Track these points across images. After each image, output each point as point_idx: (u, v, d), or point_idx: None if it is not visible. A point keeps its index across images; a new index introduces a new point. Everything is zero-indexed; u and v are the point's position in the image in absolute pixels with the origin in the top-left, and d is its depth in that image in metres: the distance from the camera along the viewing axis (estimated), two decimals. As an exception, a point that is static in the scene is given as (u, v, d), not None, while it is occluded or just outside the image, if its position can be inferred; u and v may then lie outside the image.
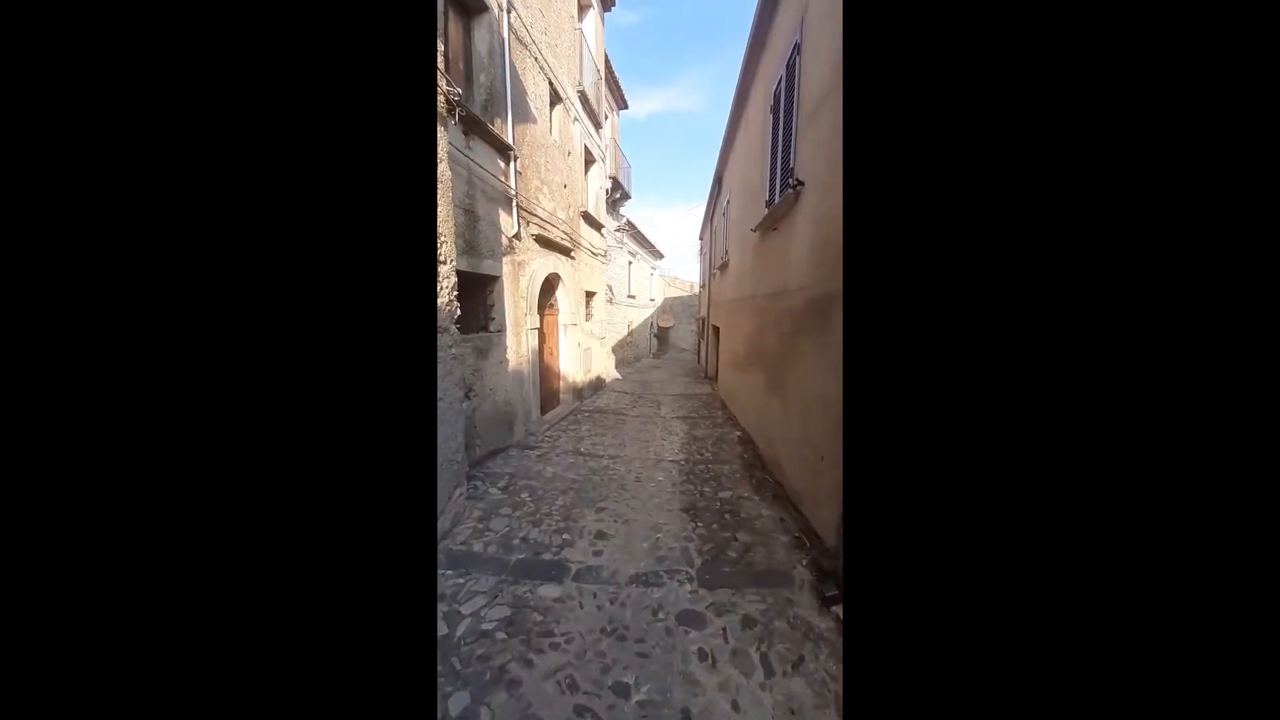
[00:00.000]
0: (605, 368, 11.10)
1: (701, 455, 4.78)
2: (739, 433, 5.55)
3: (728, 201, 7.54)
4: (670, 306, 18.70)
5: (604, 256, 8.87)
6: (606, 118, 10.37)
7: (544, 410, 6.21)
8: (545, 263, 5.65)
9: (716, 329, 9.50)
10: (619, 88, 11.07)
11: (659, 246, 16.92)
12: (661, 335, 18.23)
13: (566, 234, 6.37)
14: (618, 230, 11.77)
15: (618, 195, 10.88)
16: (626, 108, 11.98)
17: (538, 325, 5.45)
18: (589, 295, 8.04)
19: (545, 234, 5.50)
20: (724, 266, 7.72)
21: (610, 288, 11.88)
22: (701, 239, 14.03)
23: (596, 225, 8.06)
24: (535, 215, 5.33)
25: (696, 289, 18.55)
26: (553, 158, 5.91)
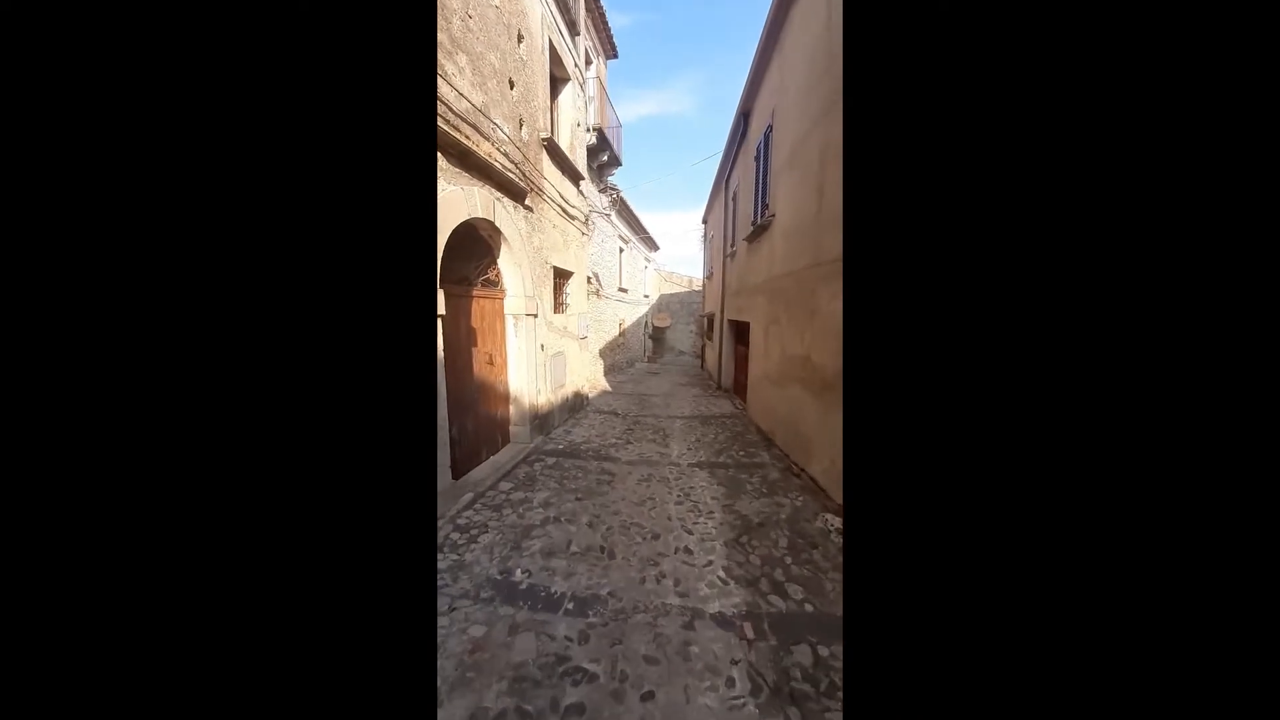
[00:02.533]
0: (590, 376, 8.38)
1: (785, 592, 2.06)
2: (837, 517, 2.84)
3: (764, 138, 4.87)
4: (666, 304, 16.01)
5: (584, 225, 6.14)
6: (590, 63, 7.68)
7: (469, 464, 3.45)
8: (463, 197, 2.92)
9: (739, 326, 6.81)
10: (605, 24, 8.37)
11: (654, 237, 14.23)
12: (657, 336, 15.52)
13: (513, 162, 3.64)
14: (603, 192, 9.00)
15: (605, 158, 8.16)
16: (615, 56, 9.27)
17: (441, 313, 2.71)
18: (561, 275, 5.31)
19: (460, 139, 2.76)
20: (757, 234, 5.04)
21: (596, 276, 9.16)
22: (706, 221, 11.36)
23: (573, 174, 5.33)
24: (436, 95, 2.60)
25: (696, 284, 15.87)
26: (484, 18, 3.18)
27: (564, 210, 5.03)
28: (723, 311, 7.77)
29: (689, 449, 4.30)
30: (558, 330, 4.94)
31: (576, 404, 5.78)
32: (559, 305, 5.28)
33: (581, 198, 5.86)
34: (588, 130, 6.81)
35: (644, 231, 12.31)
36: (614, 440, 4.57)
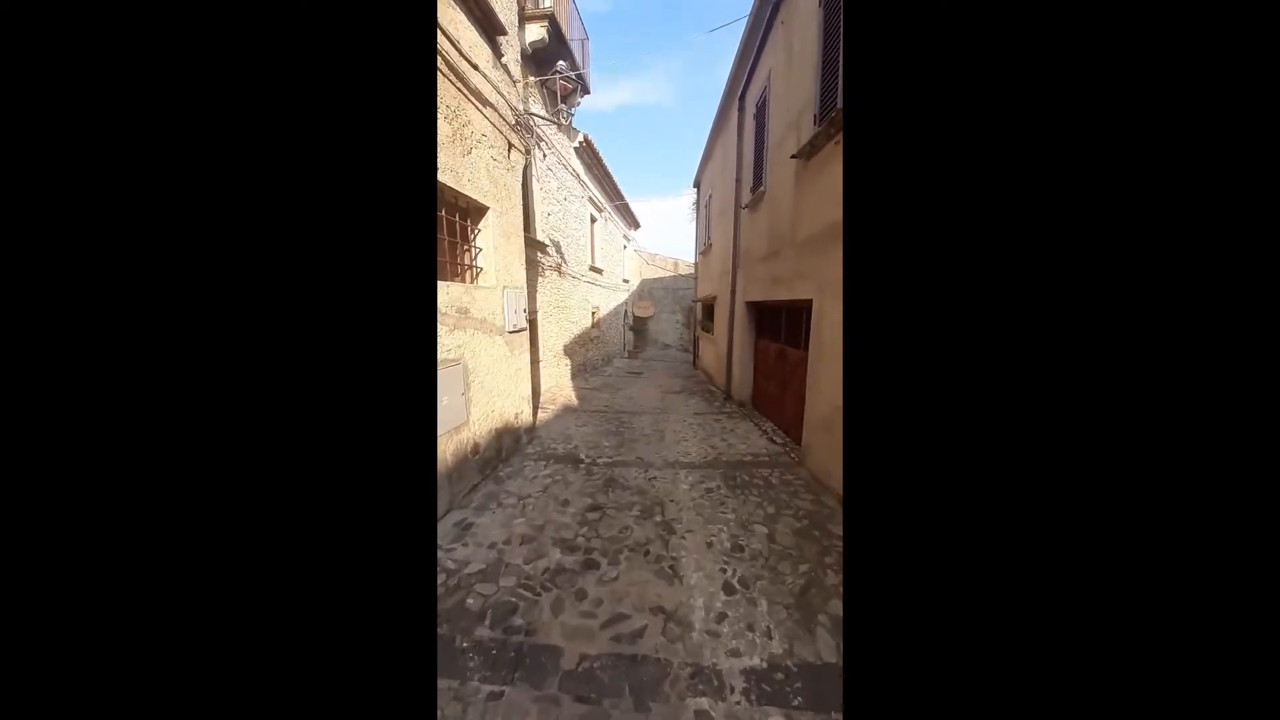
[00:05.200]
0: (550, 386, 5.76)
1: None
2: None
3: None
4: (649, 290, 13.41)
5: (512, 129, 3.42)
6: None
7: None
8: None
9: (769, 310, 4.27)
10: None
11: (634, 210, 11.56)
12: (639, 327, 12.95)
13: None
14: (554, 92, 6.17)
15: (561, 66, 5.46)
16: (580, -56, 6.53)
17: None
18: (459, 210, 2.66)
19: None
20: (836, 130, 2.49)
21: (557, 245, 6.49)
22: (698, 185, 8.77)
23: (478, 8, 2.65)
24: None
25: (683, 268, 13.31)
26: None
27: (451, 68, 2.36)
28: (734, 291, 5.25)
29: (734, 589, 1.77)
30: (450, 313, 2.31)
31: (502, 449, 3.17)
32: (455, 266, 2.64)
33: (505, 77, 3.15)
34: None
35: (620, 198, 9.62)
36: (556, 554, 1.99)
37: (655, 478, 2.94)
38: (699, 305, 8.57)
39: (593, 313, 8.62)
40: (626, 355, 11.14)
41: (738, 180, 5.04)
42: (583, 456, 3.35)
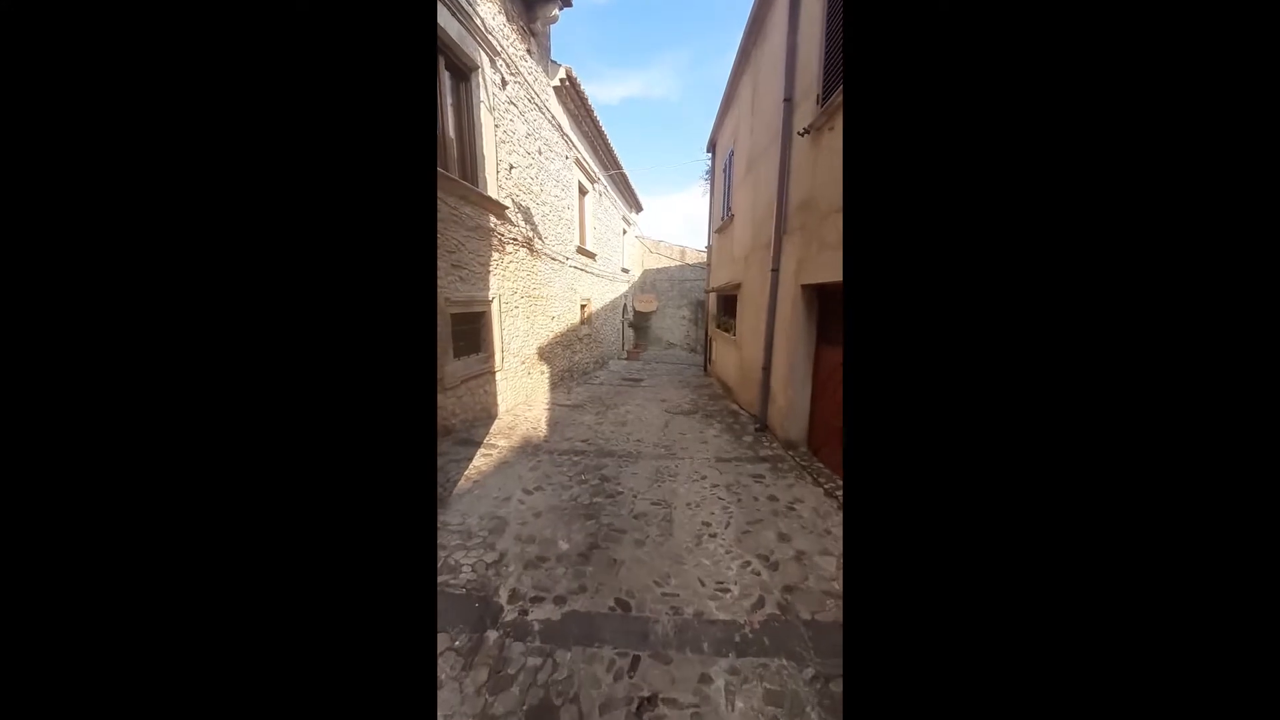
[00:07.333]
0: (513, 404, 3.85)
1: None
2: None
3: None
4: (652, 282, 11.57)
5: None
6: None
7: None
8: None
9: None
10: None
11: (632, 192, 9.68)
12: (640, 324, 11.14)
13: None
14: (543, 58, 4.17)
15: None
16: None
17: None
18: None
19: None
20: None
21: (526, 213, 4.66)
22: (712, 149, 6.92)
23: None
24: None
25: (690, 257, 11.44)
26: None
27: None
28: (777, 270, 3.42)
29: None
30: None
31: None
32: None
33: None
34: None
35: (616, 166, 7.76)
36: None
37: (655, 704, 1.14)
38: (713, 297, 6.74)
39: (582, 306, 6.82)
40: (625, 356, 9.34)
41: (787, 99, 3.21)
42: (502, 597, 1.56)
